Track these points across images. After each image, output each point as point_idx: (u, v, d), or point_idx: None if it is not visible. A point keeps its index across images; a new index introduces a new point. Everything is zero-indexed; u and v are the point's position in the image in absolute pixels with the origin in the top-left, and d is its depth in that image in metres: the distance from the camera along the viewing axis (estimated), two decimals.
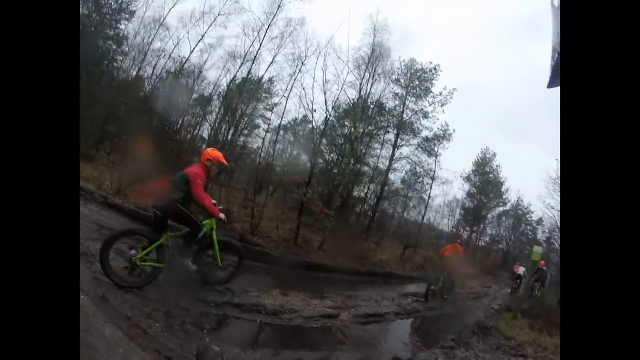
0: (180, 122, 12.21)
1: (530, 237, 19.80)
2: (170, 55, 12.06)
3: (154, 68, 12.21)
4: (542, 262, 11.93)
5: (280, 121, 12.66)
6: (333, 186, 12.05)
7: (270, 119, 13.09)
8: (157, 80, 12.05)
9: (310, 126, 12.73)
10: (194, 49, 12.08)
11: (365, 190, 15.11)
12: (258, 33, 12.04)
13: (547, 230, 17.38)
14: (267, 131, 12.69)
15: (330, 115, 11.72)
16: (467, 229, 20.21)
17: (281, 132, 12.58)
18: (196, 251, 4.66)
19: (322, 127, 11.64)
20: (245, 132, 12.45)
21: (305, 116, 12.86)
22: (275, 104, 12.63)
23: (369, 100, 12.93)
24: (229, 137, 11.67)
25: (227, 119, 11.44)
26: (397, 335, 6.25)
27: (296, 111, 12.78)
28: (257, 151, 12.67)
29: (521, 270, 13.61)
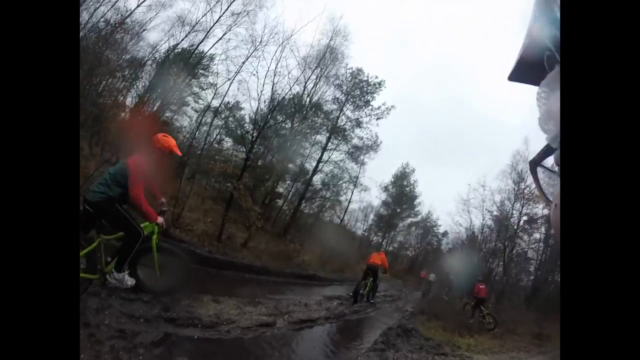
0: (104, 82, 10.04)
1: (434, 246, 21.96)
2: (114, 4, 9.93)
3: (91, 15, 9.81)
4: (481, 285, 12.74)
5: (219, 103, 11.48)
6: (259, 181, 11.41)
7: (203, 99, 11.88)
8: (90, 27, 9.71)
9: (244, 114, 11.95)
10: (141, 3, 10.26)
11: (290, 189, 14.83)
12: (220, 3, 10.79)
13: (450, 242, 19.41)
14: (197, 111, 11.43)
15: (268, 107, 11.05)
16: (379, 234, 21.46)
17: (211, 114, 11.37)
18: (132, 260, 3.78)
19: (257, 118, 10.90)
20: (174, 107, 10.96)
21: (238, 102, 11.99)
22: (213, 85, 11.42)
23: (310, 99, 12.68)
24: (155, 109, 10.10)
25: (157, 89, 9.85)
26: (330, 339, 6.07)
27: (233, 96, 11.80)
28: (181, 130, 11.27)
29: (431, 276, 14.92)
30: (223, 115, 12.01)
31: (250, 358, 3.99)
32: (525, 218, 16.52)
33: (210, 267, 6.26)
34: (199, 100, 11.79)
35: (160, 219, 3.81)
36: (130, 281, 3.75)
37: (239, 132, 12.16)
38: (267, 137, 10.99)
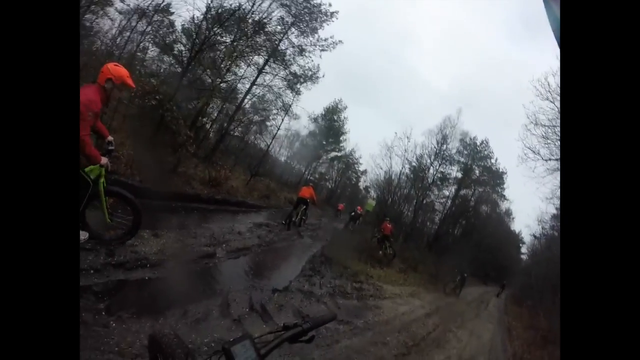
0: None
1: (353, 182, 23.41)
2: None
3: None
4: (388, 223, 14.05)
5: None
6: (189, 100, 10.49)
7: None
8: None
9: (176, 20, 10.34)
10: None
11: (219, 110, 13.97)
12: None
13: (368, 181, 20.96)
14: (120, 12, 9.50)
15: (206, 18, 9.69)
16: (302, 163, 21.99)
17: (136, 18, 9.55)
18: (82, 209, 3.36)
19: (193, 29, 9.55)
20: (96, 8, 8.89)
21: (169, 4, 10.24)
22: None
23: (251, 16, 11.39)
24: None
25: None
26: (265, 266, 6.53)
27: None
28: (99, 35, 9.37)
29: (361, 211, 16.38)
30: (153, 20, 10.25)
31: (199, 288, 4.14)
32: (439, 175, 18.62)
33: (142, 198, 5.90)
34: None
35: (104, 160, 3.41)
36: (82, 235, 3.48)
37: (172, 43, 10.61)
38: (202, 51, 9.83)
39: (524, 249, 21.99)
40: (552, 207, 14.66)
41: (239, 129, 15.20)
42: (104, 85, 3.29)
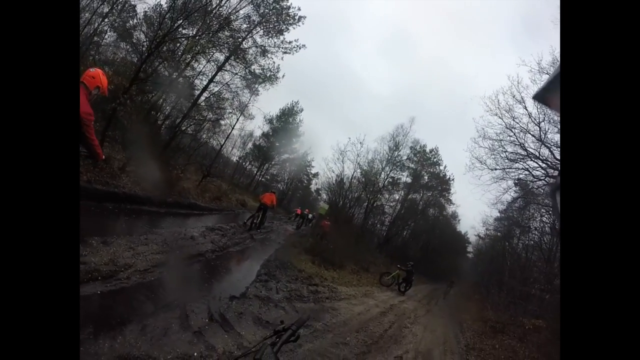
0: None
1: (304, 184, 23.46)
2: None
3: None
4: (326, 222, 14.42)
5: None
6: (143, 94, 9.89)
7: None
8: None
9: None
10: None
11: (173, 106, 13.32)
12: None
13: (319, 184, 21.20)
14: None
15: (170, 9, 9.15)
16: (255, 163, 21.62)
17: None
18: None
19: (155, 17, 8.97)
20: None
21: None
22: None
23: (218, 10, 11.00)
24: None
25: None
26: (220, 271, 6.35)
27: None
28: None
29: (311, 215, 16.38)
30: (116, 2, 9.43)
31: (155, 300, 3.93)
32: (390, 180, 19.40)
33: (90, 200, 5.43)
34: None
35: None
36: None
37: (131, 29, 9.88)
38: (164, 42, 9.26)
39: (470, 248, 23.50)
40: (495, 212, 15.89)
41: (192, 126, 14.58)
42: (92, 91, 3.12)
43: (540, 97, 0.70)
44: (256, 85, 14.72)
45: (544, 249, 13.40)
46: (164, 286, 4.42)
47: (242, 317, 4.74)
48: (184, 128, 13.68)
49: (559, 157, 10.87)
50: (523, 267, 13.48)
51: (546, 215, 13.12)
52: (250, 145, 21.23)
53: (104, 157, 3.55)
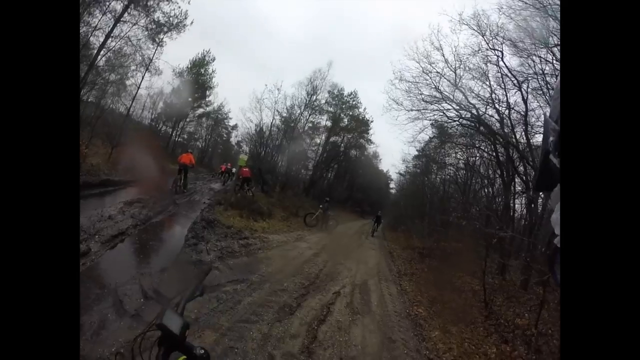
0: None
1: (224, 138, 22.53)
2: None
3: None
4: (246, 168, 14.28)
5: None
6: None
7: None
8: None
9: None
10: None
11: None
12: None
13: (239, 135, 20.59)
14: None
15: None
16: (168, 124, 20.09)
17: None
18: None
19: None
20: None
21: None
22: None
23: None
24: None
25: None
26: (146, 247, 6.17)
27: None
28: None
29: (234, 169, 15.97)
30: None
31: (84, 295, 3.77)
32: (310, 125, 19.51)
33: None
34: None
35: None
36: None
37: None
38: None
39: (392, 185, 25.39)
40: (413, 149, 17.22)
41: (93, 92, 12.74)
42: None
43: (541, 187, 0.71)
44: (161, 36, 13.16)
45: (460, 183, 14.96)
46: (90, 278, 4.23)
47: (176, 285, 4.79)
48: (84, 97, 11.94)
49: (470, 101, 11.88)
50: (441, 198, 15.07)
51: (460, 153, 14.46)
52: (161, 104, 19.46)
53: None
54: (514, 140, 10.59)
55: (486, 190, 13.25)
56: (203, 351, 1.13)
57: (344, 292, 6.70)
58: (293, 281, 6.47)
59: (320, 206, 14.61)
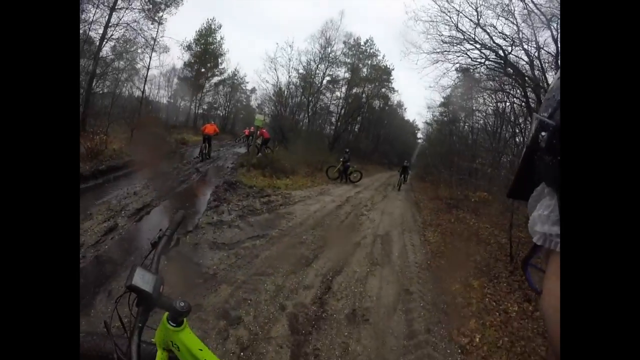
0: None
1: (244, 103, 22.52)
2: None
3: None
4: (264, 129, 14.38)
5: None
6: None
7: None
8: None
9: None
10: None
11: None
12: None
13: (259, 98, 20.49)
14: None
15: None
16: (186, 98, 20.31)
17: None
18: None
19: None
20: None
21: None
22: None
23: None
24: None
25: None
26: (170, 215, 6.44)
27: None
28: None
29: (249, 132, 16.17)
30: None
31: (114, 265, 4.04)
32: (328, 78, 18.97)
33: None
34: None
35: None
36: None
37: None
38: None
39: (419, 135, 24.62)
40: (437, 95, 16.30)
41: (106, 83, 13.13)
42: None
43: None
44: (160, 14, 13.01)
45: (489, 131, 14.23)
46: (119, 249, 4.51)
47: (198, 246, 5.03)
48: (96, 90, 12.34)
49: (495, 41, 10.92)
50: (470, 147, 14.37)
51: (488, 99, 13.60)
52: (175, 80, 19.64)
53: None
54: (545, 84, 9.61)
55: (517, 138, 12.36)
56: (183, 303, 1.11)
57: (364, 242, 6.69)
58: (312, 234, 6.55)
59: (341, 159, 14.51)
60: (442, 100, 16.40)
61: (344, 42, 18.82)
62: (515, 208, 6.95)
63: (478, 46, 11.32)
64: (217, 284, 4.04)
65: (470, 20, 11.14)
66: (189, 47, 18.31)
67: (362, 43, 19.70)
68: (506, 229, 7.11)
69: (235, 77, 20.90)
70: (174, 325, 1.12)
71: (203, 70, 19.20)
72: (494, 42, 10.96)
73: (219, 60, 19.48)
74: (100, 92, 12.67)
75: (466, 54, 11.83)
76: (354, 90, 20.34)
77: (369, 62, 20.22)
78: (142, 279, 1.07)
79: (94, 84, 11.71)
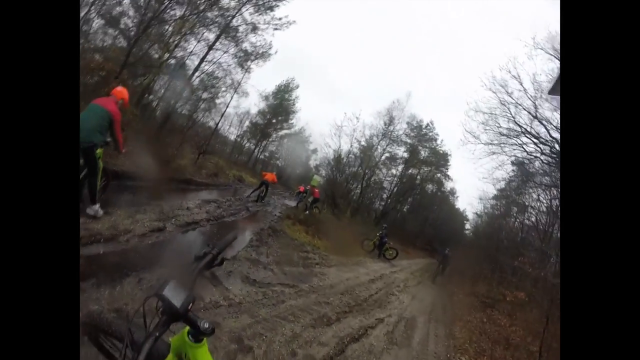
0: None
1: (303, 160, 23.76)
2: None
3: None
4: (317, 189, 15.20)
5: None
6: (134, 77, 10.22)
7: None
8: None
9: None
10: None
11: (165, 86, 13.64)
12: None
13: (318, 159, 21.65)
14: None
15: None
16: (252, 141, 21.98)
17: None
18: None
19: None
20: None
21: None
22: None
23: None
24: None
25: None
26: (213, 238, 6.76)
27: None
28: None
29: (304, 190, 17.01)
30: None
31: (152, 259, 4.41)
32: (387, 155, 19.91)
33: None
34: None
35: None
36: (100, 212, 4.69)
37: (118, 16, 10.13)
38: (151, 26, 9.56)
39: (467, 226, 23.78)
40: (491, 187, 16.06)
41: (187, 107, 15.00)
42: (118, 100, 4.65)
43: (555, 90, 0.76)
44: (248, 63, 14.93)
45: (540, 230, 13.46)
46: (160, 248, 4.92)
47: (231, 275, 5.26)
48: (178, 109, 14.09)
49: (552, 135, 10.94)
50: (517, 245, 13.64)
51: (542, 195, 13.22)
52: (247, 123, 21.56)
53: (124, 150, 4.98)
54: None
55: None
56: (207, 325, 1.09)
57: (388, 321, 6.54)
58: (340, 298, 6.54)
59: (378, 233, 14.47)
60: (495, 193, 16.03)
61: (407, 123, 19.85)
62: (551, 314, 6.46)
63: (534, 140, 11.31)
64: (240, 312, 4.20)
65: (528, 112, 11.27)
66: (266, 98, 20.37)
67: (424, 126, 20.47)
68: (539, 336, 6.57)
69: (301, 135, 22.37)
70: (193, 340, 1.12)
71: (274, 121, 20.93)
72: (550, 135, 10.93)
73: (290, 117, 21.19)
74: (180, 112, 14.27)
75: (522, 147, 11.90)
76: (410, 171, 20.71)
77: (428, 145, 20.76)
78: (173, 292, 1.06)
79: (178, 104, 13.38)
